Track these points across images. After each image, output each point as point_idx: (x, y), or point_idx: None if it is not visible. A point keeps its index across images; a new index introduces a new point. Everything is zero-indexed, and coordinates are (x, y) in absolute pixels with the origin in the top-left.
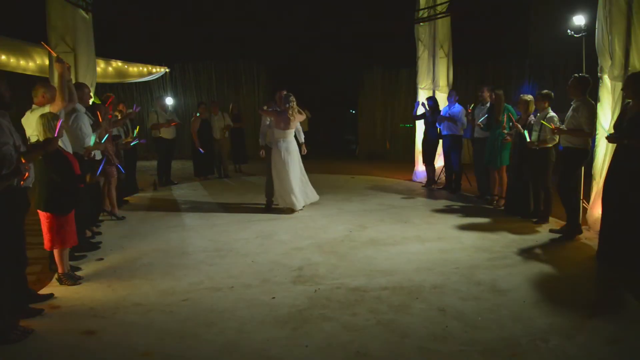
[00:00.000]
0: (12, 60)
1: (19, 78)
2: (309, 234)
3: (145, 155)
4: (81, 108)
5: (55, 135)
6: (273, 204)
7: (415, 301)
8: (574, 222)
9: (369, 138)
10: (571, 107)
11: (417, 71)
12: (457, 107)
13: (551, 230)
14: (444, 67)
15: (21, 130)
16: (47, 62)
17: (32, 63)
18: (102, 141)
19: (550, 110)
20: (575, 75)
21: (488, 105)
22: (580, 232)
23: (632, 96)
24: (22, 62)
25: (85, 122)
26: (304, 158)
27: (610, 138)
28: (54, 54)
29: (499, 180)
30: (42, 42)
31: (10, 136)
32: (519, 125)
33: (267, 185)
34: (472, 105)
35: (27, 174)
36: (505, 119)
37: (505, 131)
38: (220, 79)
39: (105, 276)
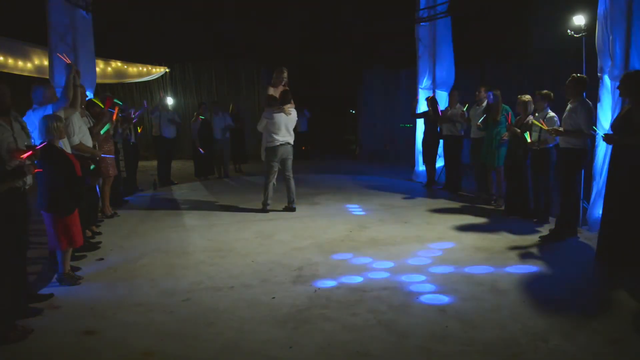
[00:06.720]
0: (10, 61)
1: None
2: (309, 234)
3: (146, 156)
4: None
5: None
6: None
7: (415, 301)
8: (561, 224)
9: (368, 138)
10: (568, 108)
11: (417, 71)
12: (459, 108)
13: (551, 230)
14: (444, 68)
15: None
16: (45, 62)
17: (30, 64)
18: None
19: (550, 111)
20: (574, 75)
21: (484, 105)
22: (574, 234)
23: (627, 95)
24: (20, 63)
25: (75, 122)
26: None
27: (607, 138)
28: (68, 61)
29: (497, 180)
30: (59, 54)
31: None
32: (517, 129)
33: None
34: (467, 107)
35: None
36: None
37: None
38: (220, 79)
39: (105, 276)
